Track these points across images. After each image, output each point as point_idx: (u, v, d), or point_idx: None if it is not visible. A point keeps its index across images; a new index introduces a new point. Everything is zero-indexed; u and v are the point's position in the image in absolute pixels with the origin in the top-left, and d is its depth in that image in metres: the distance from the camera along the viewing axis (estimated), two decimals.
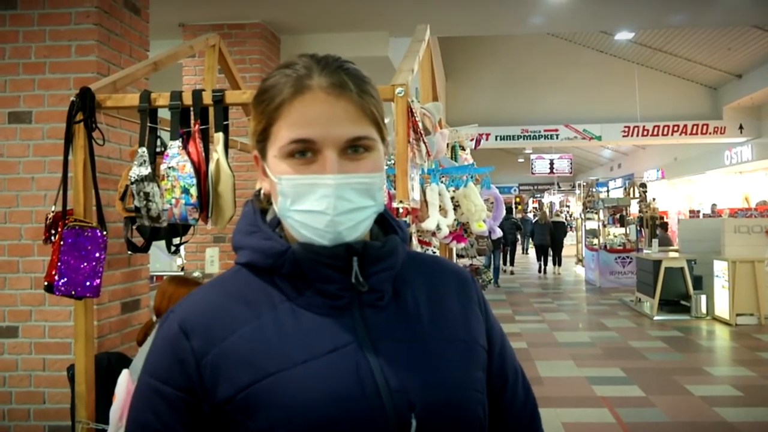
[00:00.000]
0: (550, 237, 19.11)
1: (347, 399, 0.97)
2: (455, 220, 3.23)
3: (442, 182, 3.27)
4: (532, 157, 26.62)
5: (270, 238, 1.06)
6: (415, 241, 2.28)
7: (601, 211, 17.60)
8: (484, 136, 19.02)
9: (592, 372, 7.58)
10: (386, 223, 1.14)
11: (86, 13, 3.95)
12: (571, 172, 27.21)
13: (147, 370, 1.04)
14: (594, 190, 21.32)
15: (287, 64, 1.05)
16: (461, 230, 3.55)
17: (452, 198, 3.24)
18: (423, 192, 3.07)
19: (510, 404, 1.19)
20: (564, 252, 21.34)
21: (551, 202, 37.52)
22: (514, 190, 39.85)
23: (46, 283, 2.33)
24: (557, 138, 19.28)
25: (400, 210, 2.21)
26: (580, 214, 20.40)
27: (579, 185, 24.64)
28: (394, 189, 2.33)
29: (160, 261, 5.99)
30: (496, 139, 19.44)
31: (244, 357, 0.99)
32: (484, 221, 3.31)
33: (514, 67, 19.84)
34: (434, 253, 4.13)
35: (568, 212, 34.63)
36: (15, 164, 4.00)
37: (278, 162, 1.03)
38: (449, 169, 3.42)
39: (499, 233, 3.80)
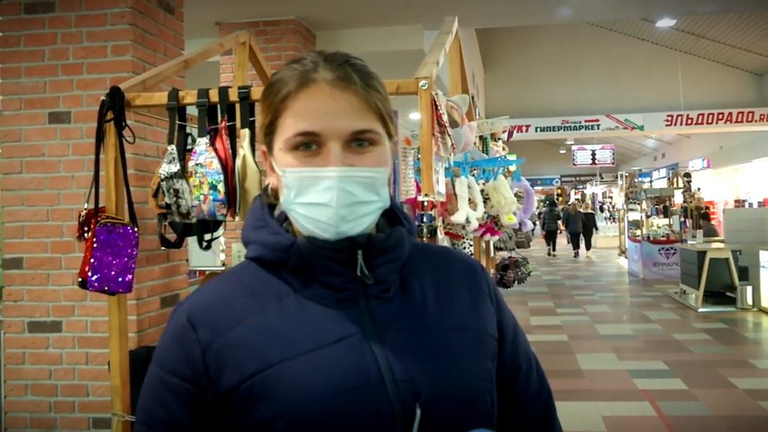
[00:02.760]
0: (582, 225, 22.19)
1: (351, 389, 0.98)
2: (485, 212, 3.21)
3: (472, 175, 3.26)
4: (574, 148, 26.28)
5: (276, 233, 1.07)
6: (440, 234, 2.29)
7: (644, 201, 17.33)
8: (524, 128, 18.89)
9: (633, 365, 7.48)
10: (393, 215, 1.14)
11: (121, 13, 4.02)
12: (613, 163, 26.79)
13: (155, 361, 1.07)
14: (637, 180, 21.01)
15: (296, 60, 1.06)
16: (492, 223, 3.53)
17: (482, 191, 3.22)
18: (453, 185, 3.06)
19: (523, 393, 1.19)
20: (606, 243, 24.19)
21: (593, 193, 37.04)
22: (556, 182, 39.44)
23: (80, 280, 2.39)
24: (598, 128, 19.02)
25: (425, 203, 2.21)
26: (623, 205, 20.15)
27: (621, 176, 24.28)
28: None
29: (203, 256, 6.10)
30: (535, 131, 19.25)
31: (250, 347, 1.00)
32: (514, 214, 3.29)
33: (554, 57, 19.62)
34: (470, 246, 4.12)
35: (610, 203, 34.14)
36: (56, 163, 4.11)
37: (283, 155, 1.04)
38: (479, 162, 3.41)
39: (530, 226, 3.78)
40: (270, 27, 6.87)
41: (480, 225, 3.28)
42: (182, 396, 1.02)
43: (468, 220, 3.00)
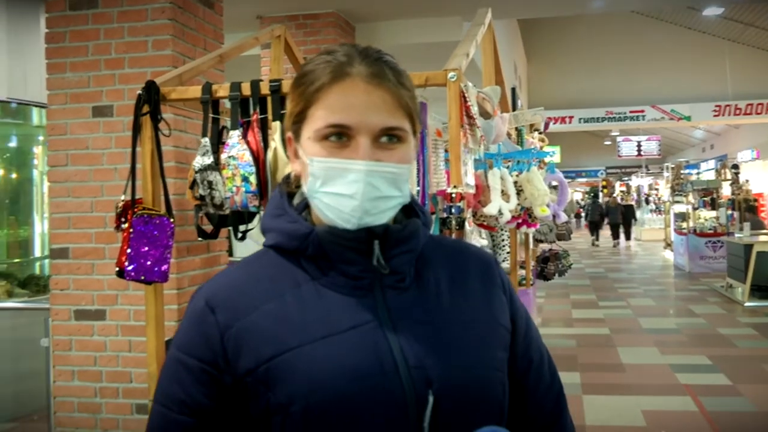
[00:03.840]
0: (622, 217, 24.04)
1: (365, 375, 1.00)
2: (518, 204, 3.21)
3: (506, 167, 3.26)
4: (619, 139, 25.86)
5: (295, 221, 1.10)
6: (468, 226, 2.29)
7: (690, 193, 17.01)
8: (567, 119, 18.69)
9: (676, 359, 7.37)
10: (409, 207, 1.16)
11: (161, 8, 4.10)
12: (660, 154, 26.31)
13: (175, 343, 1.10)
14: (685, 172, 20.62)
15: (328, 51, 1.09)
16: (525, 215, 3.52)
17: (515, 182, 3.22)
18: (485, 177, 3.07)
19: (535, 386, 1.20)
20: (652, 236, 24.55)
21: (639, 185, 36.43)
22: (601, 174, 38.83)
23: (117, 269, 2.47)
24: (643, 119, 18.72)
25: (454, 195, 2.23)
26: (669, 197, 19.80)
27: (667, 167, 23.86)
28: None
29: (247, 247, 6.22)
30: (579, 122, 19.02)
31: (267, 331, 1.03)
32: (548, 206, 3.28)
33: (598, 47, 19.31)
34: (508, 237, 4.10)
35: (656, 195, 33.58)
36: (99, 156, 4.22)
37: (312, 144, 1.06)
38: (511, 154, 3.40)
39: (564, 218, 3.75)
40: (309, 20, 6.91)
41: (513, 217, 3.28)
42: (201, 377, 1.05)
43: (501, 212, 3.00)
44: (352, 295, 1.06)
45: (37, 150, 7.43)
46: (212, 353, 1.05)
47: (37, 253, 7.32)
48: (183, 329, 1.10)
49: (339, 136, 1.04)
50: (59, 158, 4.27)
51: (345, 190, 1.03)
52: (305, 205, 1.14)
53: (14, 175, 7.73)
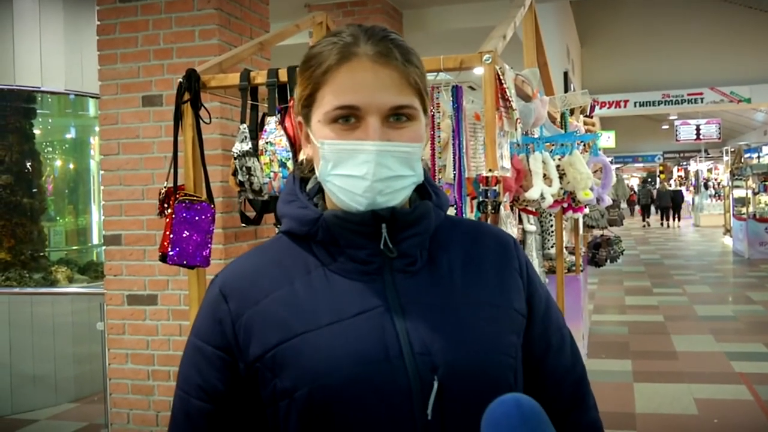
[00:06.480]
0: (671, 201, 26.85)
1: (370, 360, 1.00)
2: (561, 188, 3.17)
3: (548, 151, 3.22)
4: (677, 123, 25.15)
5: (305, 207, 1.10)
6: (504, 210, 2.28)
7: (750, 178, 16.51)
8: (622, 103, 18.31)
9: (731, 347, 7.21)
10: (424, 189, 1.15)
11: None
12: (719, 138, 25.52)
13: (193, 330, 1.13)
14: (746, 156, 20.01)
15: (335, 33, 1.08)
16: (569, 199, 3.48)
17: (558, 166, 3.18)
18: (527, 161, 3.04)
19: (552, 370, 1.19)
20: (711, 222, 24.80)
21: (698, 170, 35.54)
22: (658, 159, 37.92)
23: (160, 254, 2.54)
24: (702, 102, 18.15)
25: (489, 178, 2.22)
26: (728, 182, 19.26)
27: (727, 151, 23.17)
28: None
29: None
30: (635, 106, 18.58)
31: (275, 318, 1.05)
32: (591, 189, 3.23)
33: (653, 28, 18.79)
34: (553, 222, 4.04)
35: (715, 180, 32.74)
36: (150, 144, 4.31)
37: (322, 127, 1.06)
38: (554, 137, 3.36)
39: (608, 201, 3.70)
40: (357, 7, 6.90)
41: (556, 201, 3.24)
42: (216, 363, 1.08)
43: (543, 196, 2.97)
44: (361, 280, 1.06)
45: (94, 140, 7.62)
46: (225, 341, 1.07)
47: (95, 240, 7.54)
48: (200, 316, 1.13)
49: (348, 118, 1.03)
50: (111, 147, 4.39)
51: (356, 171, 1.03)
52: (318, 190, 1.14)
53: (72, 166, 7.96)
